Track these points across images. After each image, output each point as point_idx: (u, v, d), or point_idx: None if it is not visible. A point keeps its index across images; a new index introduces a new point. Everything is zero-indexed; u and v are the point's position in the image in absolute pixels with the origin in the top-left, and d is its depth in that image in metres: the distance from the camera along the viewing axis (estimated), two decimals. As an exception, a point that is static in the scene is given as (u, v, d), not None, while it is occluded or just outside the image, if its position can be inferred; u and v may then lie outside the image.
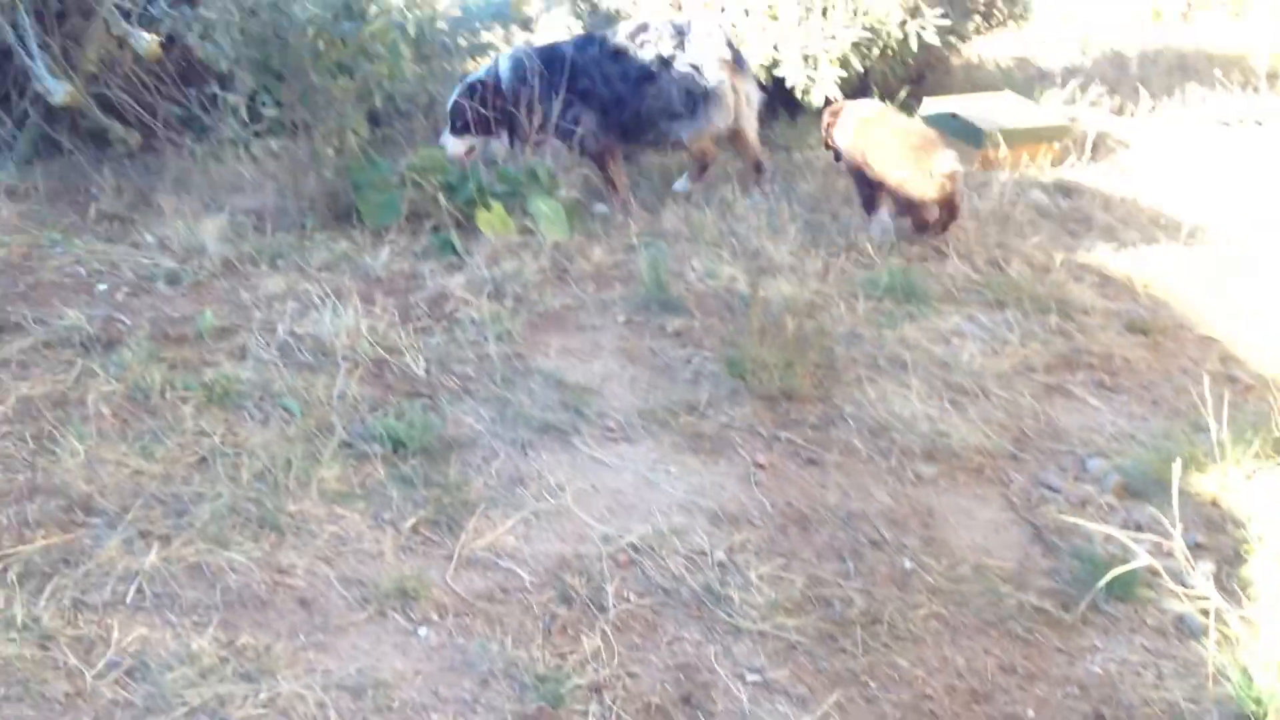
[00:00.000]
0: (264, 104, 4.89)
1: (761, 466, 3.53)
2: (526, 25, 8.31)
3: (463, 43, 6.47)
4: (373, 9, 4.68)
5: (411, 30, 4.77)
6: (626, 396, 3.88)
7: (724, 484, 3.44)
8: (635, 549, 3.11)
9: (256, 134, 5.06)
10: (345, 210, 5.02)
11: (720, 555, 3.10)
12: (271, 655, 2.65)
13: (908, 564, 3.11)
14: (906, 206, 4.96)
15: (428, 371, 3.90)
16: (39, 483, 3.15)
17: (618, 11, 6.64)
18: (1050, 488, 3.49)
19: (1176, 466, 2.99)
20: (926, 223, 4.98)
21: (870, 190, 5.04)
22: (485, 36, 6.79)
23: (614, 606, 2.89)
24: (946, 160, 4.76)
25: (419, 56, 5.28)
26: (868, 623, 2.87)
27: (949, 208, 4.90)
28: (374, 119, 5.24)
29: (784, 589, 2.98)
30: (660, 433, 3.68)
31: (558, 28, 8.55)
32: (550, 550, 3.10)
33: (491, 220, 4.98)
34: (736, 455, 3.58)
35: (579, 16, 7.28)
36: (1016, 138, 5.89)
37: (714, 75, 5.34)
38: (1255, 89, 6.49)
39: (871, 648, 2.79)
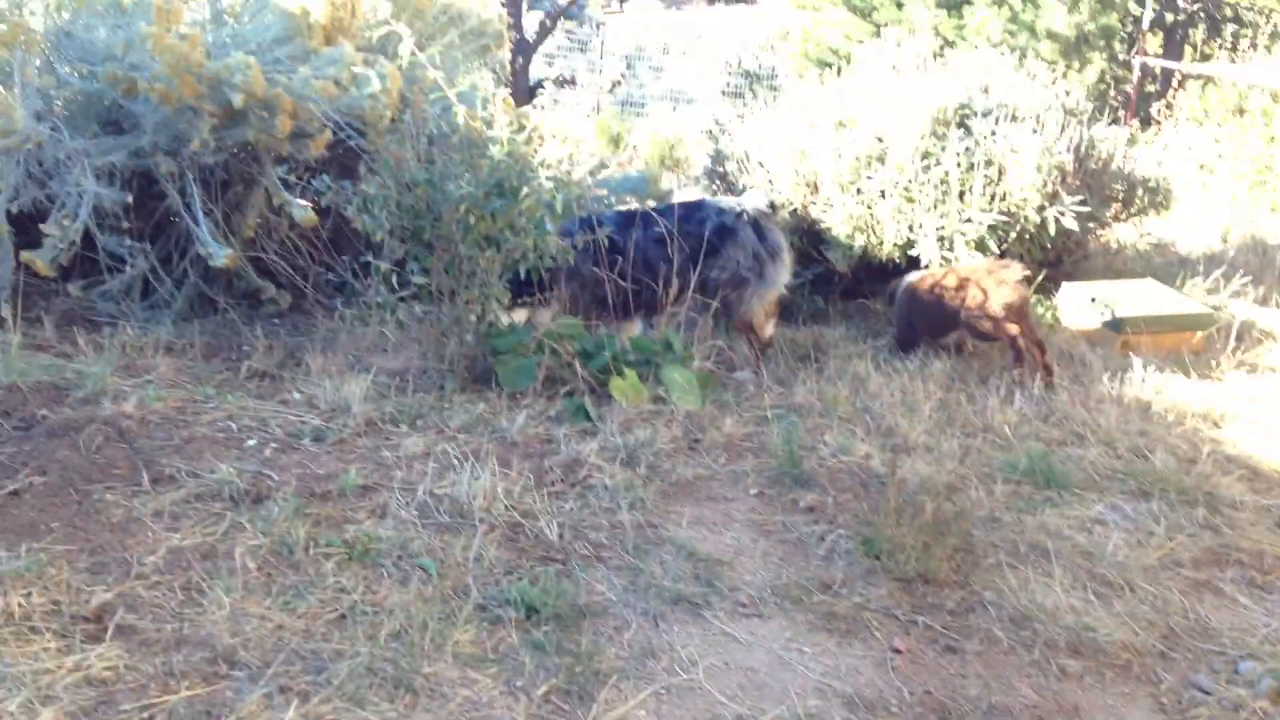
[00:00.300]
0: (412, 271, 5.12)
1: (899, 651, 3.44)
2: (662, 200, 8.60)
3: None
4: (524, 189, 4.91)
5: (559, 208, 4.98)
6: (759, 570, 3.85)
7: (859, 667, 3.36)
8: (770, 731, 3.04)
9: (402, 299, 5.28)
10: (484, 374, 5.17)
11: (858, 744, 3.01)
12: (403, 822, 2.64)
13: (1056, 765, 2.98)
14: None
15: (561, 536, 3.93)
16: (185, 633, 3.23)
17: (745, 187, 6.84)
18: (1202, 689, 3.33)
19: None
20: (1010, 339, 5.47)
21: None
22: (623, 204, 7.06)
23: (748, 792, 2.81)
24: (1015, 270, 5.41)
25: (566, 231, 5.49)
26: (1016, 826, 2.75)
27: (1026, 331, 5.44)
28: (517, 286, 5.44)
29: (925, 784, 2.88)
30: (793, 610, 3.63)
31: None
32: (682, 728, 3.06)
33: (625, 388, 5.07)
34: (872, 638, 3.51)
35: (713, 193, 7.51)
36: (1159, 324, 5.82)
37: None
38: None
39: None
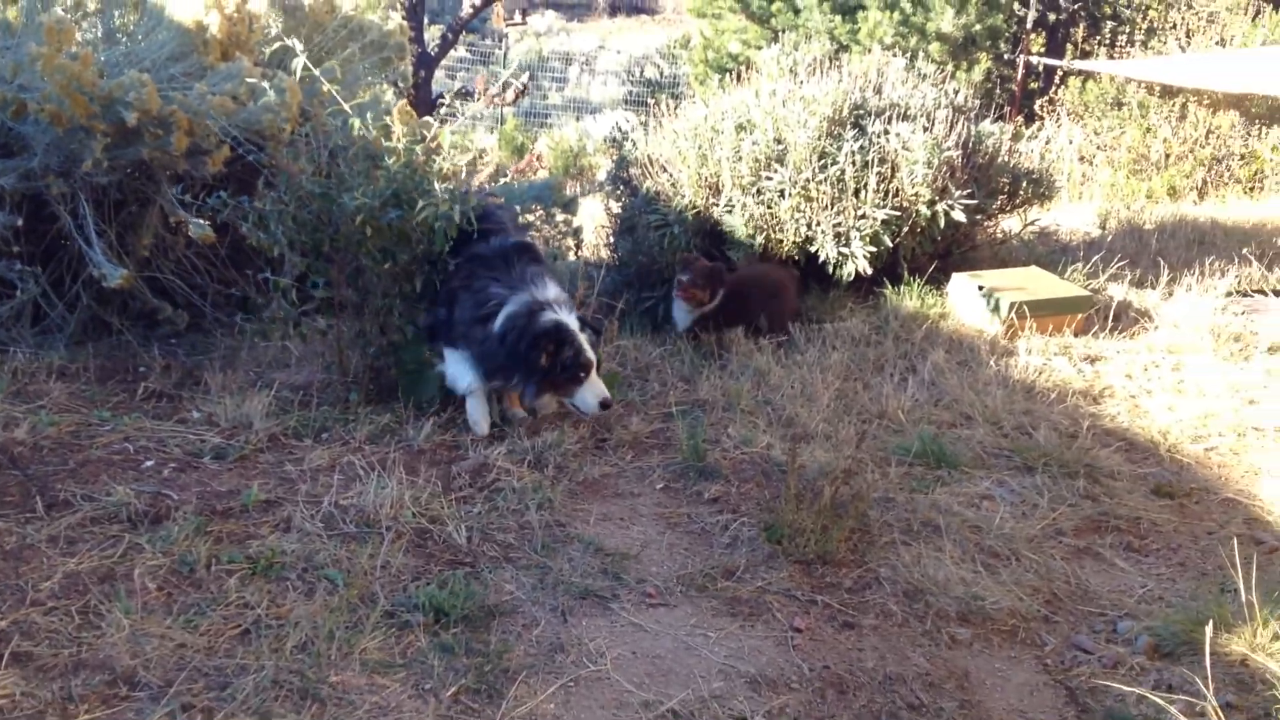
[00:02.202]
0: (314, 285, 5.12)
1: (799, 630, 3.56)
2: (568, 207, 8.67)
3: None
4: (420, 202, 4.94)
5: (457, 218, 5.01)
6: (665, 562, 3.94)
7: (762, 648, 3.47)
8: (675, 715, 3.13)
9: (304, 314, 5.28)
10: (389, 385, 5.19)
11: (759, 720, 3.12)
12: (314, 824, 2.68)
13: (946, 728, 3.11)
14: None
15: (469, 540, 3.99)
16: (84, 657, 3.21)
17: (656, 194, 6.94)
18: (1083, 650, 3.50)
19: (1208, 628, 3.02)
20: None
21: None
22: (529, 217, 7.11)
23: (654, 773, 2.90)
24: None
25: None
26: (908, 788, 2.87)
27: None
28: (418, 296, 5.46)
29: (823, 754, 2.99)
30: (698, 597, 3.73)
31: (595, 210, 8.91)
32: (591, 718, 3.13)
33: (508, 395, 5.12)
34: (774, 619, 3.62)
35: (618, 199, 7.60)
36: (1041, 309, 6.05)
37: None
38: (1272, 261, 6.66)
39: (912, 813, 2.78)
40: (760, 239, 6.54)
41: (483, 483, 4.38)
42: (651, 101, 7.63)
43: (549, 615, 3.59)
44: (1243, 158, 8.88)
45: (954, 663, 3.42)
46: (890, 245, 6.45)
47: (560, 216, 7.60)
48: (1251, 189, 9.06)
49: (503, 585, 3.74)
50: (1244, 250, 7.16)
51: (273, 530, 3.96)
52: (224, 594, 3.55)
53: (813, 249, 6.48)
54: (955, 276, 6.47)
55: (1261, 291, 6.58)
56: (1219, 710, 2.98)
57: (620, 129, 8.04)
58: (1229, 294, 6.48)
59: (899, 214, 6.39)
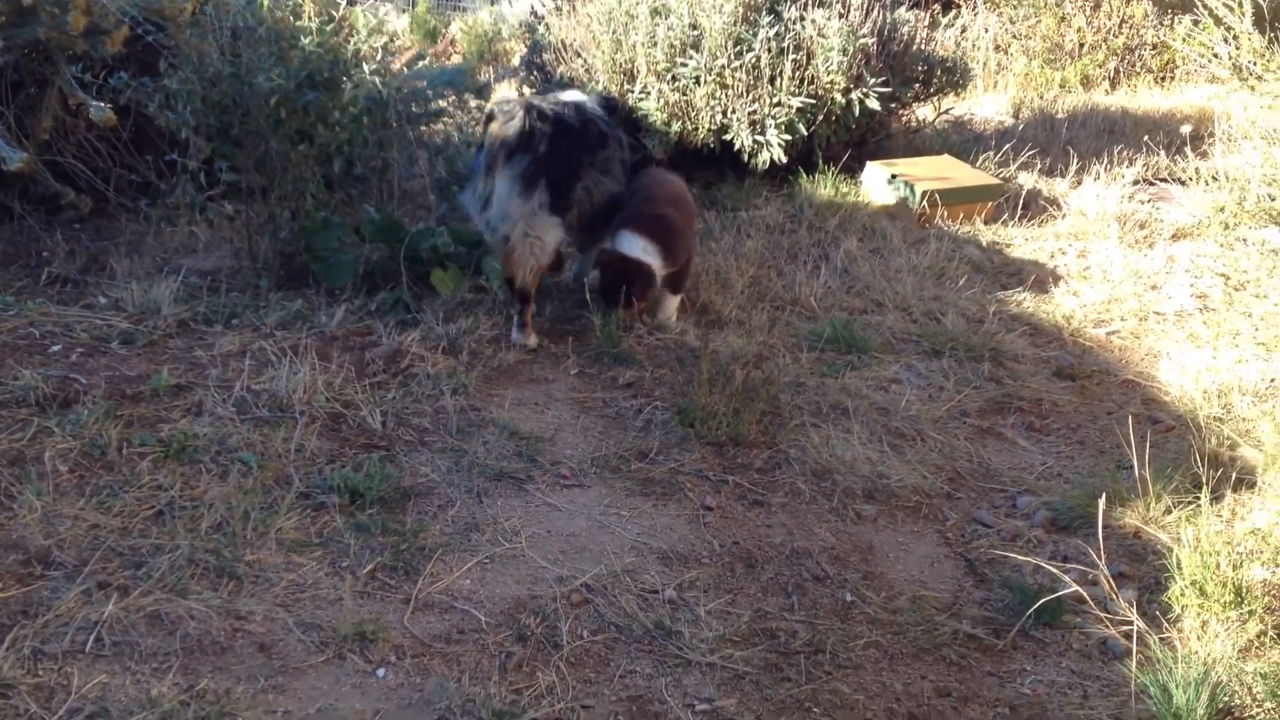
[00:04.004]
0: (220, 169, 5.00)
1: (710, 509, 3.65)
2: (480, 93, 8.50)
3: (416, 109, 6.65)
4: (346, 83, 4.81)
5: (380, 96, 4.90)
6: (579, 445, 3.99)
7: (674, 526, 3.56)
8: (589, 589, 3.21)
9: (211, 198, 5.16)
10: (300, 271, 5.12)
11: (670, 593, 3.21)
12: (232, 698, 2.72)
13: (849, 597, 3.24)
14: None
15: (384, 424, 3.99)
16: (-4, 537, 3.20)
17: (571, 79, 6.84)
18: (983, 524, 3.64)
19: (1102, 501, 3.17)
20: None
21: None
22: (439, 104, 6.97)
23: (568, 644, 2.98)
24: None
25: (376, 123, 5.40)
26: (811, 653, 2.99)
27: None
28: (330, 182, 5.35)
29: (731, 623, 3.10)
30: (612, 479, 3.79)
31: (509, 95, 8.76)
32: (506, 592, 3.19)
33: (446, 279, 5.10)
34: (686, 499, 3.70)
35: (532, 85, 7.47)
36: (953, 197, 6.13)
37: None
38: (1179, 150, 6.79)
39: (815, 676, 2.91)
40: (676, 126, 6.50)
41: (397, 368, 4.37)
42: (568, -16, 7.46)
43: (464, 496, 3.63)
44: (1154, 47, 9.00)
45: (859, 537, 3.54)
46: (805, 133, 6.46)
47: (474, 102, 7.45)
48: (1162, 79, 9.19)
49: (418, 468, 3.76)
50: (1153, 139, 7.29)
51: (184, 415, 3.92)
52: (136, 476, 3.53)
53: (728, 137, 6.46)
54: (869, 165, 6.51)
55: (1167, 179, 6.73)
56: (1110, 579, 3.14)
57: (535, 13, 7.87)
58: (1136, 182, 6.61)
59: (814, 102, 6.39)
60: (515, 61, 10.45)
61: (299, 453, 3.75)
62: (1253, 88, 4.04)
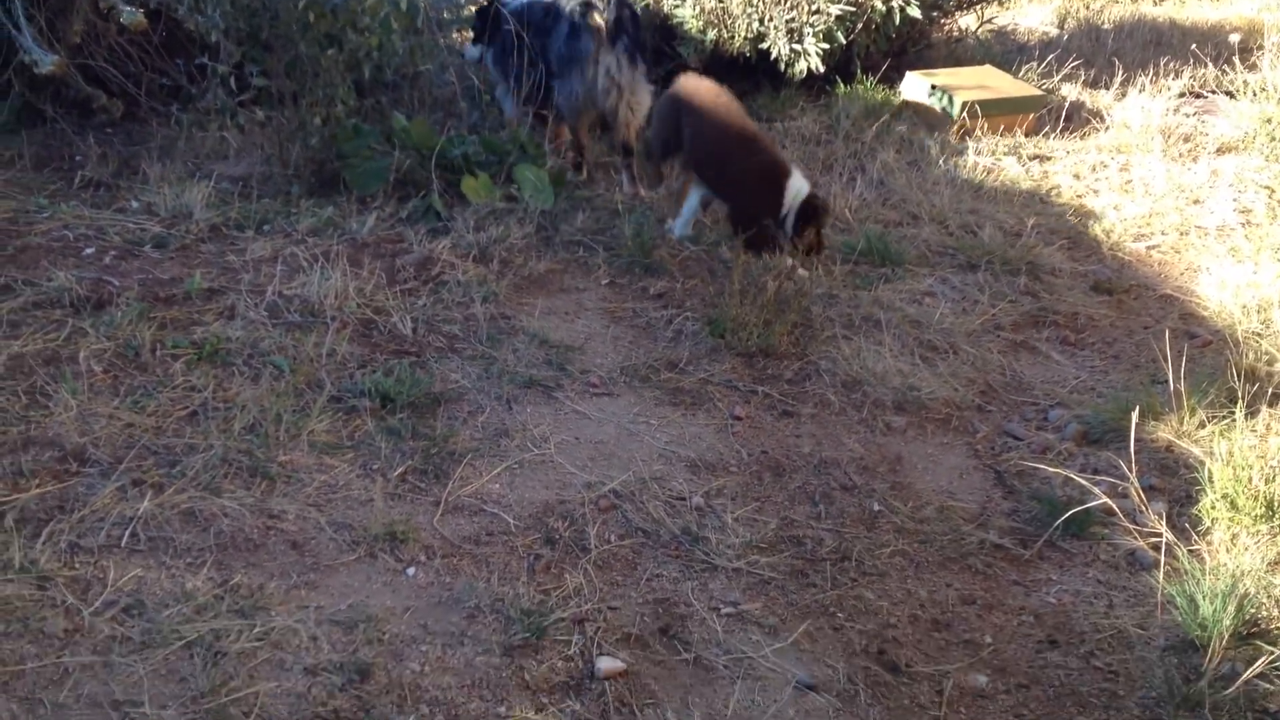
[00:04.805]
0: (251, 74, 4.96)
1: (739, 418, 3.65)
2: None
3: (448, 15, 6.55)
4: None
5: (403, 4, 4.83)
6: (609, 354, 3.99)
7: (702, 435, 3.56)
8: (616, 495, 3.23)
9: (242, 104, 5.12)
10: (331, 178, 5.10)
11: (698, 500, 3.23)
12: (265, 593, 2.77)
13: (876, 506, 3.24)
14: None
15: (415, 331, 4.00)
16: (33, 435, 3.24)
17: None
18: (1013, 436, 3.62)
19: (1134, 415, 3.14)
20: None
21: None
22: (471, 8, 6.86)
23: (595, 547, 3.01)
24: None
25: (407, 29, 5.33)
26: (837, 559, 3.01)
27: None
28: (361, 89, 5.30)
29: (758, 530, 3.11)
30: (642, 388, 3.80)
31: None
32: (535, 497, 3.22)
33: (477, 187, 5.06)
34: (715, 408, 3.70)
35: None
36: (993, 108, 6.00)
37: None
38: (1228, 62, 6.61)
39: (840, 582, 2.93)
40: (712, 35, 6.38)
41: (427, 276, 4.37)
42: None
43: (494, 403, 3.65)
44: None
45: (887, 448, 3.54)
46: (844, 43, 6.31)
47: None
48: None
49: (448, 375, 3.77)
50: (1200, 50, 7.10)
51: (216, 318, 3.94)
52: (170, 378, 3.57)
53: (765, 46, 6.34)
54: (909, 75, 6.37)
55: (1214, 92, 6.55)
56: (1140, 491, 3.12)
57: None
58: (1182, 95, 6.45)
59: (854, 9, 6.24)
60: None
61: (330, 357, 3.76)
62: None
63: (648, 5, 6.55)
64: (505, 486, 3.26)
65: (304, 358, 3.75)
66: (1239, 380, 3.49)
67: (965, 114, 5.90)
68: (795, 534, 3.11)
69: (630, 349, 4.03)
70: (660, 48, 6.64)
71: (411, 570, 2.89)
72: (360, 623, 2.69)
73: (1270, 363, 3.80)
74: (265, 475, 3.19)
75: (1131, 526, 3.06)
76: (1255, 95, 5.57)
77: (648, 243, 4.63)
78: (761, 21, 6.31)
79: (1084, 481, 3.19)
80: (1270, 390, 3.62)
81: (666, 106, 4.89)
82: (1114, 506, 3.07)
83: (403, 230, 4.73)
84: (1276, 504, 3.03)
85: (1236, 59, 6.23)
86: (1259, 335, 4.03)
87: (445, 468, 3.32)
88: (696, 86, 4.80)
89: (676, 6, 6.44)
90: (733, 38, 6.39)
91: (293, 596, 2.77)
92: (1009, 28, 7.99)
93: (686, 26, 6.43)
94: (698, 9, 6.36)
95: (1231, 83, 6.22)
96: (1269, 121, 3.93)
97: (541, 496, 3.22)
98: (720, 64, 6.65)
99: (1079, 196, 5.35)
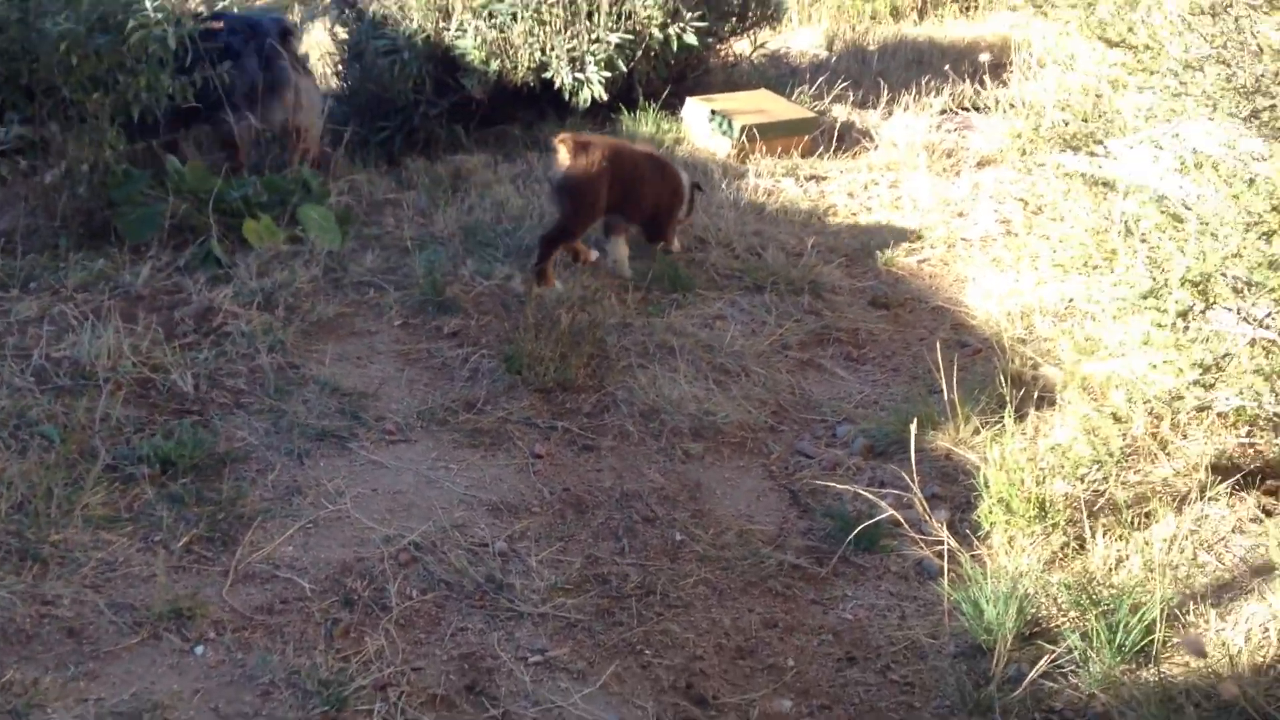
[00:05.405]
0: (12, 121, 4.69)
1: (539, 456, 3.64)
2: (289, 35, 8.14)
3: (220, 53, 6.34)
4: (130, 22, 4.54)
5: (171, 42, 4.64)
6: (404, 398, 3.92)
7: (503, 476, 3.54)
8: (417, 547, 3.17)
9: (3, 153, 4.83)
10: (102, 227, 4.85)
11: (501, 545, 3.20)
12: (39, 689, 2.60)
13: (678, 536, 3.29)
14: None
15: (196, 388, 3.83)
16: None
17: (384, 18, 6.62)
18: (805, 454, 3.74)
19: (913, 427, 3.28)
20: None
21: None
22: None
23: (397, 605, 2.95)
24: None
25: (180, 68, 5.13)
26: (642, 594, 3.03)
27: None
28: (130, 132, 5.06)
29: (563, 571, 3.11)
30: (439, 431, 3.75)
31: (321, 36, 8.43)
32: (331, 556, 3.13)
33: (259, 230, 4.91)
34: (515, 447, 3.68)
35: (344, 24, 7.19)
36: (770, 131, 6.19)
37: None
38: (981, 80, 6.99)
39: (646, 618, 2.95)
40: (495, 65, 6.39)
41: (208, 327, 4.20)
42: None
43: (285, 459, 3.53)
44: (959, -25, 9.23)
45: (687, 476, 3.59)
46: (625, 70, 6.43)
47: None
48: (967, 8, 9.43)
49: (234, 432, 3.64)
50: (957, 68, 7.50)
51: (-23, 389, 3.69)
52: (-75, 460, 3.32)
53: (548, 75, 6.38)
54: (689, 101, 6.52)
55: (973, 108, 6.93)
56: (924, 501, 3.27)
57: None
58: (943, 112, 6.80)
59: (633, 38, 6.36)
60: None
61: (104, 422, 3.57)
62: (1045, 14, 4.17)
63: (428, 37, 6.49)
64: (299, 548, 3.16)
65: (75, 425, 3.54)
66: (1007, 386, 3.69)
67: (744, 137, 6.07)
68: (600, 572, 3.12)
69: (426, 391, 3.98)
70: (443, 80, 6.60)
71: (200, 649, 2.76)
72: (144, 713, 2.55)
73: (1035, 367, 4.04)
74: (36, 558, 2.99)
75: (917, 536, 3.20)
76: (1005, 111, 5.92)
77: (440, 280, 4.58)
78: (544, 51, 6.36)
79: (871, 495, 3.31)
80: (1036, 394, 3.85)
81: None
82: (900, 518, 3.20)
83: (180, 280, 4.54)
84: (1048, 504, 3.22)
85: (987, 76, 6.62)
86: (1023, 341, 4.28)
87: (234, 533, 3.19)
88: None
89: (458, 37, 6.42)
90: (516, 68, 6.41)
91: (70, 690, 2.61)
92: (781, 51, 8.26)
93: (469, 58, 6.41)
94: (479, 40, 6.36)
95: (984, 100, 6.60)
96: (1019, 136, 4.17)
97: (338, 555, 3.13)
98: (504, 94, 6.66)
99: (853, 214, 5.57)
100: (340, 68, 7.15)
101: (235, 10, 7.97)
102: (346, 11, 7.15)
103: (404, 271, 4.78)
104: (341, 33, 7.17)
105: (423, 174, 5.95)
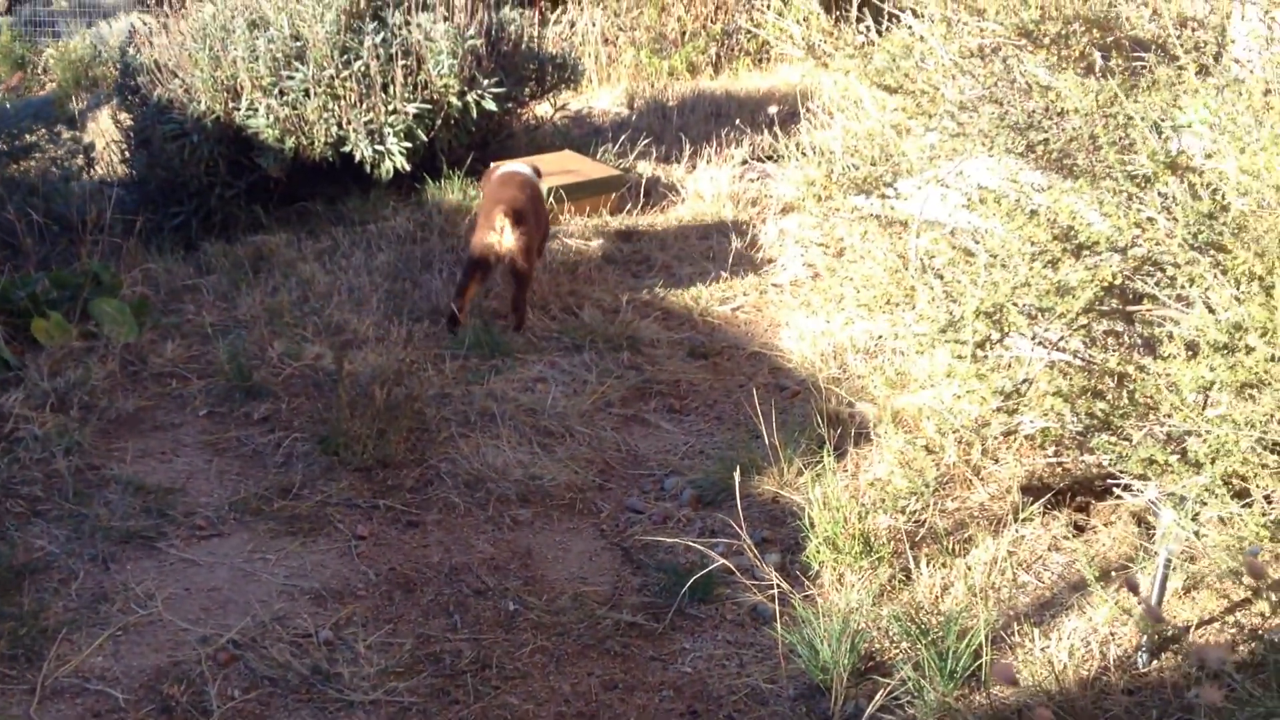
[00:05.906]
0: None
1: (362, 538, 3.53)
2: (73, 124, 7.83)
3: (2, 146, 6.05)
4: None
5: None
6: (215, 490, 3.76)
7: (325, 562, 3.41)
8: (236, 644, 3.02)
9: None
10: None
11: (326, 633, 3.08)
12: None
13: (511, 606, 3.22)
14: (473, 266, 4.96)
15: (-14, 500, 3.59)
16: None
17: (170, 101, 6.42)
18: (635, 510, 3.73)
19: (737, 474, 3.32)
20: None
21: None
22: (29, 138, 6.37)
23: (218, 708, 2.80)
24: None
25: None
26: (477, 670, 2.96)
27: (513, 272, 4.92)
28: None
29: (393, 654, 3.01)
30: (254, 522, 3.59)
31: (107, 124, 8.13)
32: (144, 663, 2.95)
33: (49, 329, 4.66)
34: (336, 531, 3.56)
35: (130, 111, 6.94)
36: (578, 191, 6.24)
37: None
38: (773, 131, 7.23)
39: (482, 693, 2.87)
40: (290, 142, 6.27)
41: (-2, 434, 3.94)
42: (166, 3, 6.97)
43: (88, 565, 3.33)
44: (748, 31, 9.55)
45: (517, 543, 3.54)
46: (426, 139, 6.41)
47: (67, 134, 6.85)
48: (760, 60, 9.77)
49: (32, 542, 3.42)
50: (754, 120, 7.74)
51: None
52: None
53: (347, 149, 6.30)
54: (493, 165, 6.51)
55: (771, 158, 7.15)
56: (753, 547, 3.29)
57: (131, 33, 7.35)
58: (744, 162, 6.99)
59: (431, 107, 6.35)
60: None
61: (-117, 546, 3.30)
62: (826, 65, 4.35)
63: (218, 118, 6.33)
64: (109, 657, 2.97)
65: None
66: (825, 425, 3.78)
67: (552, 199, 6.10)
68: (432, 650, 3.03)
69: (238, 481, 3.82)
70: (237, 160, 6.44)
71: (4, 778, 2.56)
72: None
73: (850, 405, 4.15)
74: None
75: (749, 582, 3.21)
76: (798, 159, 6.13)
77: (245, 365, 4.43)
78: (340, 125, 6.28)
79: (702, 546, 3.33)
80: (854, 431, 3.95)
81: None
82: (731, 566, 3.22)
83: (-39, 387, 4.25)
84: (872, 539, 3.29)
85: (777, 127, 6.85)
86: (838, 380, 4.39)
87: (38, 648, 2.98)
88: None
89: (249, 117, 6.28)
90: (313, 144, 6.31)
91: None
92: (584, 112, 8.38)
93: (263, 136, 6.28)
94: (272, 118, 6.23)
95: (780, 149, 6.84)
96: (812, 183, 4.31)
97: (152, 661, 2.95)
98: (304, 171, 6.55)
99: (666, 267, 5.65)
100: (127, 154, 6.90)
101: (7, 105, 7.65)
102: (130, 98, 6.92)
103: (207, 359, 4.62)
104: (127, 120, 6.95)
105: (222, 257, 5.77)
